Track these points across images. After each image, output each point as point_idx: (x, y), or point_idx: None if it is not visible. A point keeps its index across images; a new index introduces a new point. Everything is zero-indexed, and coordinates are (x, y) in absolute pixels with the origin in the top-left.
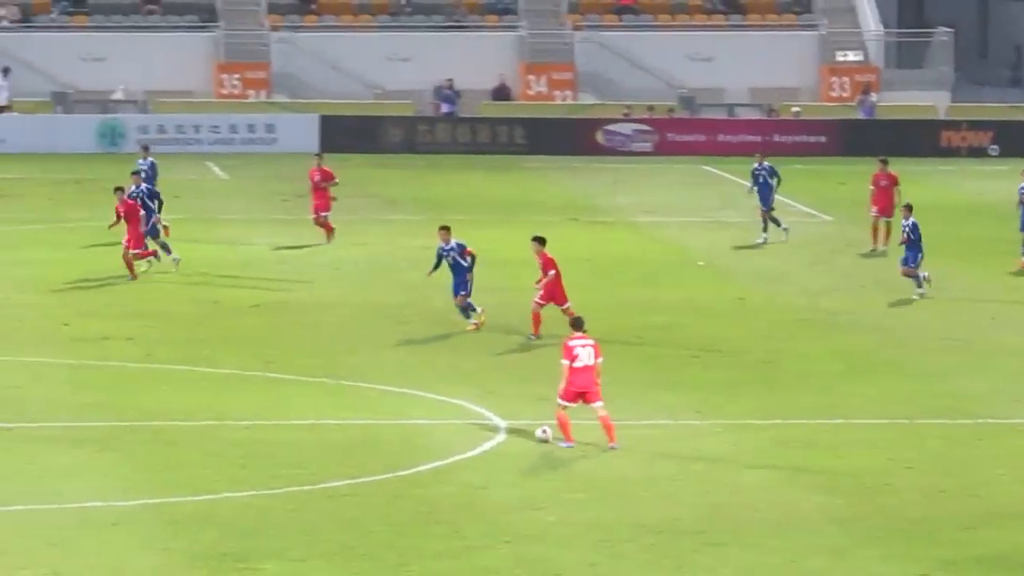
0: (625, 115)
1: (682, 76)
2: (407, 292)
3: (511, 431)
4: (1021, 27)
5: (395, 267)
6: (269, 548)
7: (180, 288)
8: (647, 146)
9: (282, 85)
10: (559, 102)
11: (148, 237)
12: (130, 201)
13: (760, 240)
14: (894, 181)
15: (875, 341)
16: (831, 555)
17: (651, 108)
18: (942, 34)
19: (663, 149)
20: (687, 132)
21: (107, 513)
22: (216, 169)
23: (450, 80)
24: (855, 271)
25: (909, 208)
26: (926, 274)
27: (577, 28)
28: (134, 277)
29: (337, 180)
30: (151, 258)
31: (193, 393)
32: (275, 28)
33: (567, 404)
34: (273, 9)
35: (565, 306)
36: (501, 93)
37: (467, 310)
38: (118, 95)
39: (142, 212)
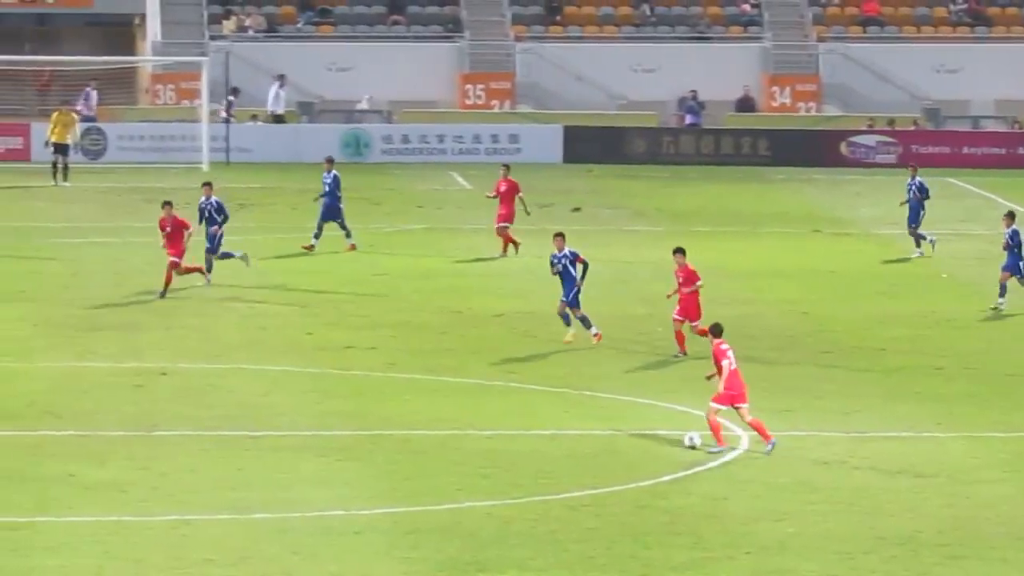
0: (868, 127)
1: (927, 88)
2: (650, 304)
3: (753, 442)
4: None
5: (638, 278)
6: (511, 558)
7: (423, 298)
8: (891, 158)
9: (526, 95)
10: (803, 113)
11: (209, 253)
12: (179, 218)
13: (915, 255)
14: None
15: None
16: None
17: (891, 121)
18: None
19: (907, 161)
20: (931, 144)
21: (349, 521)
22: (460, 179)
23: (694, 91)
24: None
25: (1012, 216)
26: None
27: (822, 40)
28: (163, 294)
29: (522, 193)
30: (203, 273)
31: (436, 402)
32: (519, 39)
33: (720, 407)
34: (518, 20)
35: (696, 323)
36: (745, 104)
37: (567, 319)
38: (363, 105)
39: (189, 229)
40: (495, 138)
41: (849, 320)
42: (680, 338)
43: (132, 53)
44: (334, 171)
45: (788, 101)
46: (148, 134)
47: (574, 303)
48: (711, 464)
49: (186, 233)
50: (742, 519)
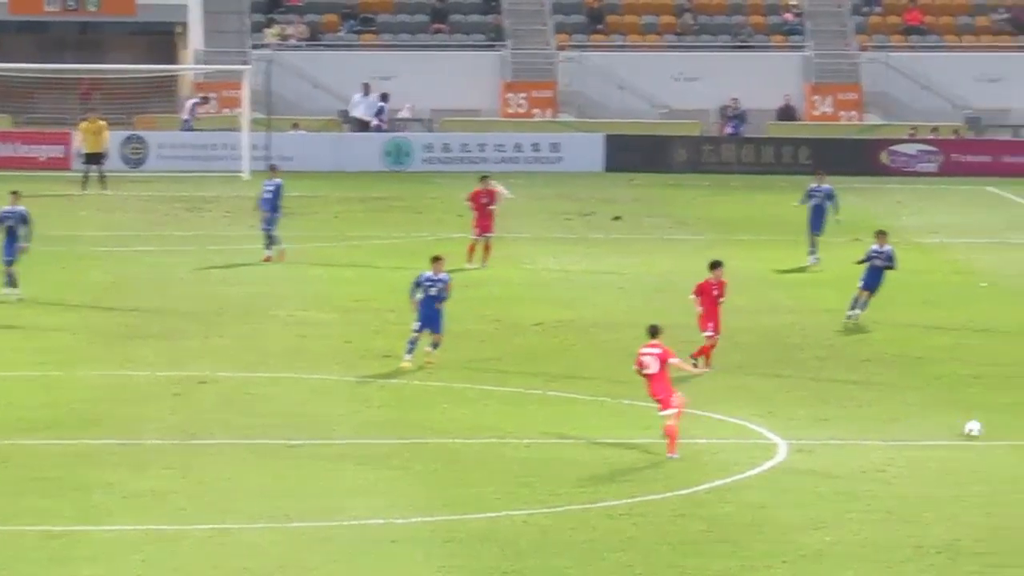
0: (910, 136)
1: (968, 97)
2: (691, 313)
3: (792, 451)
4: None
5: (681, 287)
6: (548, 567)
7: (464, 306)
8: (932, 167)
9: (568, 104)
10: (844, 122)
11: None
12: None
13: (811, 262)
14: None
15: None
16: None
17: (935, 130)
18: None
19: (948, 170)
20: (972, 153)
21: (388, 530)
22: (501, 188)
23: (735, 100)
24: None
25: (883, 234)
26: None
27: (864, 49)
28: None
29: (495, 205)
30: None
31: (475, 411)
32: (562, 47)
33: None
34: (560, 28)
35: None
36: (786, 113)
37: (414, 344)
38: (404, 113)
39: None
40: (536, 147)
41: (889, 329)
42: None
43: (175, 62)
44: (278, 179)
45: (830, 110)
46: (189, 143)
47: (433, 329)
48: (750, 473)
49: None
50: (781, 528)
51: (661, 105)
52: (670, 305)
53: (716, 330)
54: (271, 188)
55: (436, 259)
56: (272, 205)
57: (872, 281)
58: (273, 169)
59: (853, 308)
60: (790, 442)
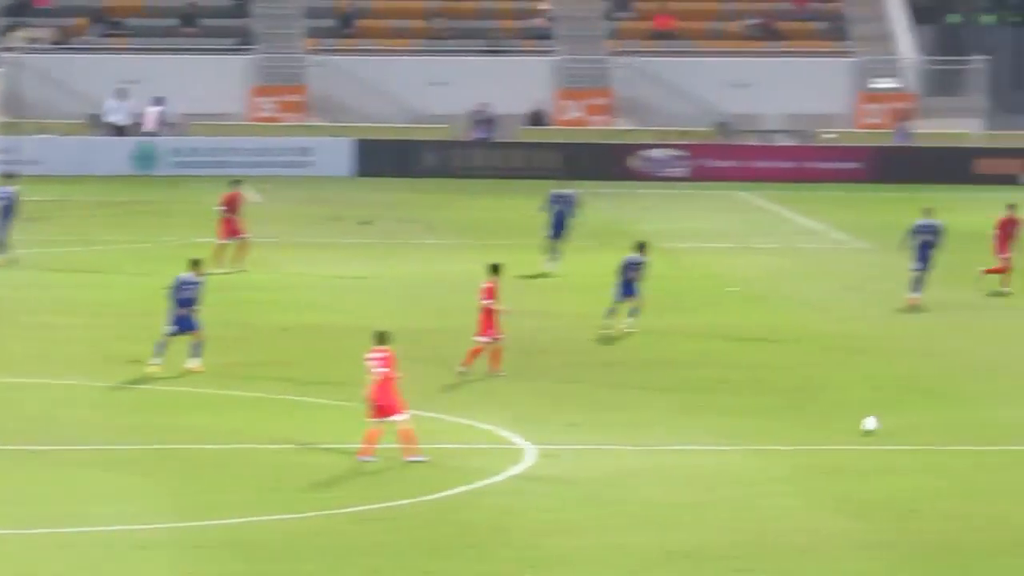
0: (660, 141)
1: (719, 102)
2: (441, 317)
3: (541, 456)
4: None
5: (430, 292)
6: (297, 572)
7: (211, 311)
8: (682, 172)
9: (319, 108)
10: (595, 127)
11: None
12: None
13: (549, 267)
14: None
15: (907, 368)
16: None
17: (684, 134)
18: (977, 62)
19: (697, 175)
20: (722, 158)
21: (133, 537)
22: (251, 192)
23: (484, 104)
24: (888, 297)
25: (643, 245)
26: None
27: (615, 54)
28: None
29: (248, 203)
30: None
31: (223, 416)
32: (312, 51)
33: (371, 420)
34: (311, 32)
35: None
36: (537, 118)
37: (163, 348)
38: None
39: None
40: (287, 151)
41: (638, 334)
42: (495, 355)
43: None
44: (13, 187)
45: (581, 115)
46: None
47: (193, 328)
48: (499, 478)
49: None
50: (528, 533)
51: (412, 110)
52: (417, 310)
53: (498, 332)
54: (4, 195)
55: (195, 262)
56: (6, 212)
57: (627, 292)
58: (9, 176)
59: (629, 317)
60: (538, 447)
